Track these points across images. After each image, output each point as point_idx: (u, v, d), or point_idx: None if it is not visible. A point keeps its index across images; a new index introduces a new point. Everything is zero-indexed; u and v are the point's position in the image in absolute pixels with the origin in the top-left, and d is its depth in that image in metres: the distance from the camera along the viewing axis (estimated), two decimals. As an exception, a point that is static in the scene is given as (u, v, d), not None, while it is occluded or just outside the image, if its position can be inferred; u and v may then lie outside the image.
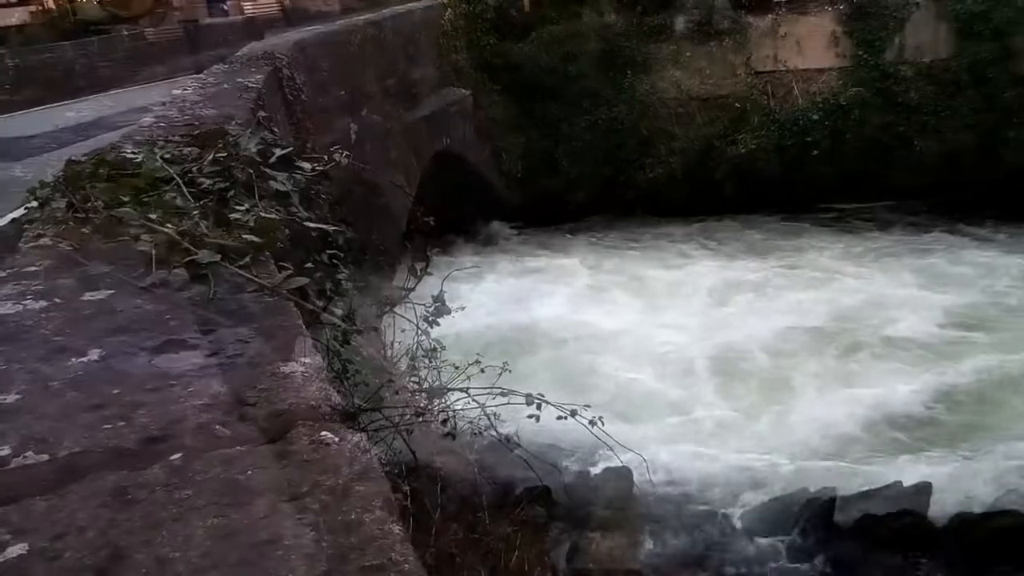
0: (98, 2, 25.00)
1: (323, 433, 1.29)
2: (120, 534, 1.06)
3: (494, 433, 5.89)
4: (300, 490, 1.14)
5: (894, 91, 18.96)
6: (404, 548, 1.01)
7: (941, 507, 9.53)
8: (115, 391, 1.46)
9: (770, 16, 20.13)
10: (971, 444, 10.76)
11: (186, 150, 3.18)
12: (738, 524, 9.79)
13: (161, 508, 1.12)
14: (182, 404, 1.39)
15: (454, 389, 5.51)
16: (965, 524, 9.21)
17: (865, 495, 9.65)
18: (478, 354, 5.79)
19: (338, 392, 1.47)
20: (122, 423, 1.34)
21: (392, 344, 5.59)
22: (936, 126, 18.80)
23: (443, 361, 5.97)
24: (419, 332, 5.43)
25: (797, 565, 9.19)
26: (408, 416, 5.10)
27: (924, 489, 9.58)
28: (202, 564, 1.00)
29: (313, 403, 1.37)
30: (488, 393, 5.70)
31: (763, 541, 9.51)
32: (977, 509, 9.36)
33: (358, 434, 1.30)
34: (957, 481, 10.03)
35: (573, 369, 12.76)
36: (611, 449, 6.01)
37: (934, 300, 14.81)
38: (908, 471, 10.07)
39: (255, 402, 1.38)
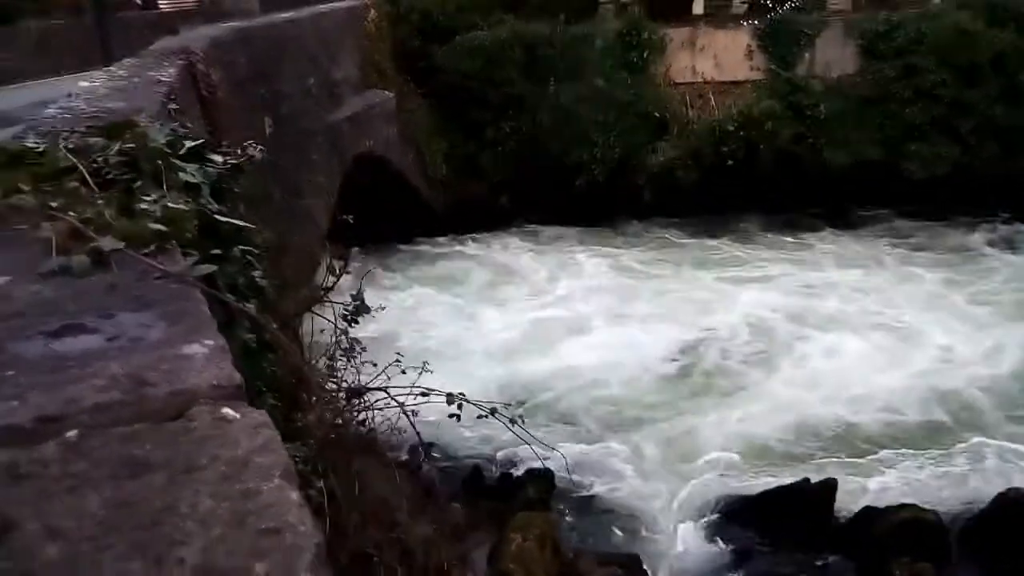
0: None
1: (224, 410, 1.30)
2: (11, 506, 1.06)
3: (414, 433, 5.89)
4: (198, 463, 1.15)
5: (805, 104, 19.78)
6: (301, 512, 1.04)
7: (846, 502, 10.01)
8: (9, 372, 1.43)
9: (688, 29, 20.73)
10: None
11: (92, 140, 3.09)
12: (656, 517, 10.03)
13: (55, 482, 1.12)
14: (79, 385, 1.38)
15: (374, 389, 5.49)
16: (869, 517, 9.66)
17: (775, 492, 10.03)
18: (398, 354, 5.79)
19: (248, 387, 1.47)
20: (16, 403, 1.32)
21: (311, 344, 5.54)
22: (844, 138, 19.69)
23: (363, 362, 5.95)
24: (337, 331, 5.40)
25: (713, 559, 9.47)
26: (327, 417, 5.06)
27: (829, 485, 10.02)
28: (96, 532, 1.01)
29: (215, 382, 1.38)
30: (409, 392, 5.71)
31: (680, 535, 9.76)
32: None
33: (260, 411, 1.31)
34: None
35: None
36: (531, 447, 6.10)
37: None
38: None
39: (155, 382, 1.38)
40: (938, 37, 18.88)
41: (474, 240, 19.90)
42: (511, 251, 19.23)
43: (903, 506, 9.70)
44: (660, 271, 17.83)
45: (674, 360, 13.75)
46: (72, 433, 1.23)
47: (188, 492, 1.09)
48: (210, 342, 1.54)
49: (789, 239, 19.43)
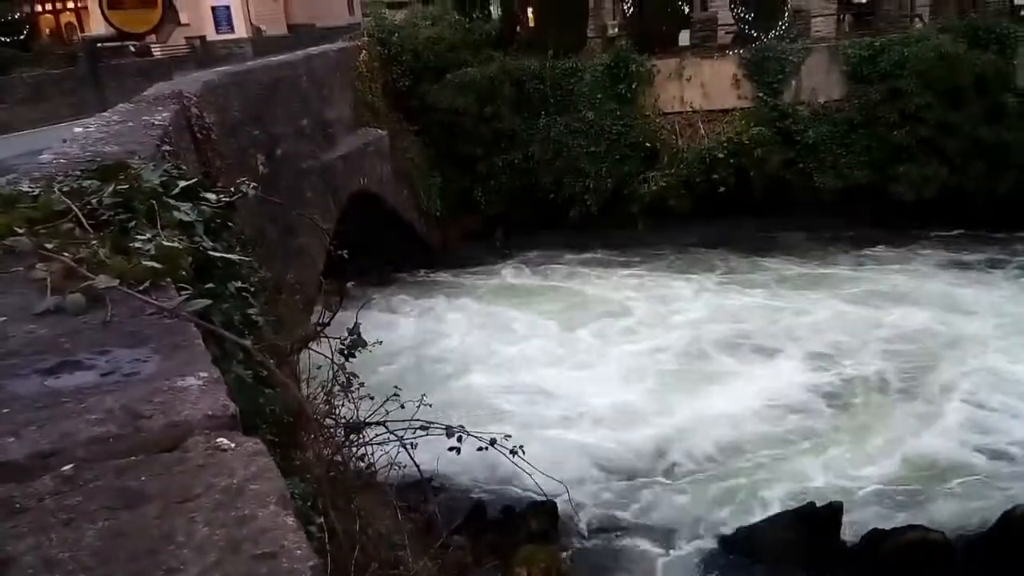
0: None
1: (219, 440, 1.31)
2: (8, 540, 1.06)
3: (414, 468, 5.84)
4: (194, 491, 1.16)
5: (793, 130, 19.97)
6: (297, 536, 1.04)
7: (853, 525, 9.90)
8: (4, 410, 1.44)
9: (675, 60, 21.01)
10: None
11: (86, 183, 3.12)
12: (665, 549, 9.92)
13: (50, 514, 1.12)
14: (75, 419, 1.39)
15: (372, 423, 5.46)
16: (876, 540, 9.58)
17: (781, 516, 9.94)
18: (396, 387, 5.77)
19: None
20: (11, 439, 1.32)
21: (307, 380, 5.52)
22: (833, 163, 19.84)
23: (361, 396, 5.92)
24: (334, 366, 5.39)
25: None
26: (326, 453, 5.03)
27: (835, 508, 9.94)
28: (92, 562, 1.01)
29: (210, 413, 1.39)
30: (408, 427, 5.66)
31: (686, 565, 9.66)
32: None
33: (255, 439, 1.32)
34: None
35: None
36: (532, 477, 6.04)
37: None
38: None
39: (150, 415, 1.39)
40: (920, 61, 19.11)
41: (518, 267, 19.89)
42: (564, 277, 19.12)
43: (910, 527, 9.61)
44: (763, 294, 17.09)
45: (806, 391, 12.94)
46: (68, 467, 1.24)
47: (183, 520, 1.09)
48: (204, 374, 1.55)
49: (853, 253, 19.12)
